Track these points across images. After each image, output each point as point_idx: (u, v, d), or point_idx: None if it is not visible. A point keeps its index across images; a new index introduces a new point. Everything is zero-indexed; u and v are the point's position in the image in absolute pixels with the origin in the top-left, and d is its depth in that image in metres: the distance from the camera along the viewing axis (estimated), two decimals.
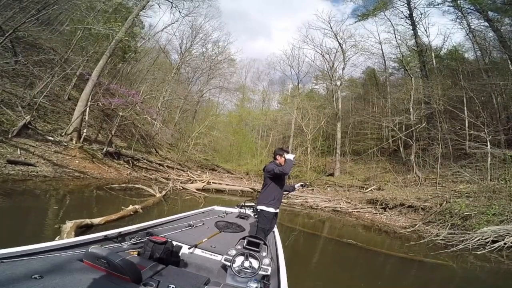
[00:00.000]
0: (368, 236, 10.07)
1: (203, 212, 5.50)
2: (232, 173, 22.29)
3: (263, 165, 4.38)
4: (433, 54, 22.44)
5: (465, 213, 9.22)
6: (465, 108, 15.04)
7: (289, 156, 4.08)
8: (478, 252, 7.45)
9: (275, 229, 5.04)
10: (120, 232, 3.26)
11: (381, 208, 13.33)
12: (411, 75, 19.86)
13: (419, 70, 22.27)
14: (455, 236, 8.42)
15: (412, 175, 15.47)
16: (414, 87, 18.80)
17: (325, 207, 14.58)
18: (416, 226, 10.02)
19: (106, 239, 3.04)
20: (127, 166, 14.98)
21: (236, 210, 5.91)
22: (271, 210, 4.06)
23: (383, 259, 7.32)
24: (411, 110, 18.04)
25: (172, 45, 34.29)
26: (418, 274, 6.34)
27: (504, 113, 16.23)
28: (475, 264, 6.98)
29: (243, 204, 5.91)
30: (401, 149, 18.35)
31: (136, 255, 3.07)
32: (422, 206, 11.66)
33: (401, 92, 20.91)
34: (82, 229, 5.23)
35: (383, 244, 8.94)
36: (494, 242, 7.60)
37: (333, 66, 27.01)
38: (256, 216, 4.51)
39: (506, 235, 7.63)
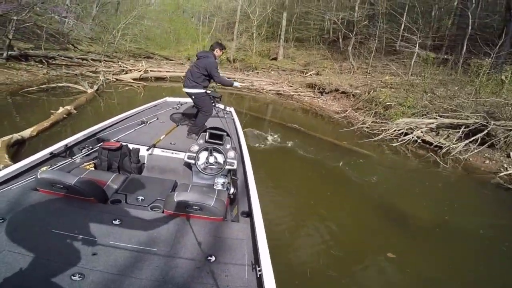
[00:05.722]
0: (306, 119, 11.04)
1: (155, 106, 5.04)
2: (171, 59, 20.79)
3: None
4: None
5: (387, 103, 10.29)
6: (405, 13, 15.95)
7: (236, 84, 4.34)
8: (394, 144, 8.12)
9: (235, 115, 5.08)
10: (66, 145, 2.80)
11: (318, 92, 14.46)
12: None
13: None
14: (376, 125, 9.22)
15: (348, 63, 16.76)
16: None
17: (269, 90, 15.43)
18: (347, 112, 11.29)
19: (53, 156, 2.63)
20: (41, 66, 12.85)
21: (190, 100, 5.36)
22: (205, 91, 4.05)
23: (318, 143, 7.88)
24: (357, 8, 18.41)
25: None
26: (345, 160, 6.70)
27: (437, 24, 17.86)
28: (388, 156, 7.67)
29: None
30: (340, 40, 19.16)
31: (92, 168, 2.86)
32: (353, 92, 12.70)
33: None
34: (14, 147, 4.57)
35: (318, 128, 9.74)
36: (406, 135, 8.34)
37: None
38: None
39: (415, 129, 8.39)
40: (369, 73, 15.14)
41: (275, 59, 21.46)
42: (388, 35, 16.20)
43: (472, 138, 7.68)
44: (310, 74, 17.48)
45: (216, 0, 31.08)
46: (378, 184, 5.79)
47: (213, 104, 4.27)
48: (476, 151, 7.51)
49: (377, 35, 16.03)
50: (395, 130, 8.57)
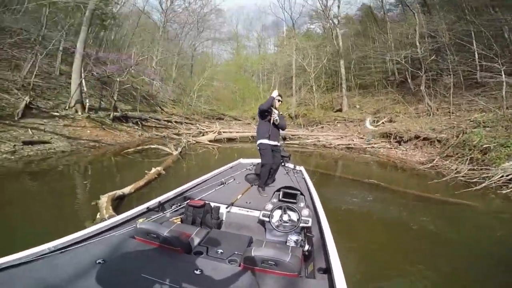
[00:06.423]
0: (384, 174, 9.88)
1: (231, 167, 5.61)
2: (239, 120, 22.46)
3: None
4: None
5: (484, 146, 8.65)
6: (474, 41, 14.36)
7: (274, 93, 4.26)
8: (503, 192, 6.70)
9: (305, 174, 5.18)
10: (160, 201, 3.33)
11: (395, 142, 13.22)
12: (414, 11, 18.49)
13: (419, 5, 20.47)
14: (475, 173, 7.80)
15: (424, 105, 15.18)
16: (418, 22, 17.61)
17: (338, 145, 14.56)
18: (434, 161, 9.73)
19: (149, 210, 3.14)
20: (137, 127, 15.26)
21: None
22: (266, 141, 4.22)
23: (402, 197, 6.82)
24: (418, 44, 17.02)
25: (151, 5, 34.57)
26: (443, 215, 5.77)
27: None
28: (499, 205, 6.30)
29: None
30: (409, 80, 17.76)
31: (179, 222, 3.17)
32: (438, 138, 11.35)
33: (403, 27, 19.77)
34: (116, 201, 5.32)
35: (400, 182, 8.45)
36: None
37: (327, 4, 25.24)
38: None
39: None
40: (452, 113, 13.46)
41: (340, 110, 20.86)
42: (463, 67, 14.50)
43: None
44: (383, 122, 16.29)
45: (272, 57, 33.26)
46: (487, 237, 4.74)
47: (282, 163, 4.79)
48: None
49: (450, 69, 14.41)
50: (502, 176, 7.13)
